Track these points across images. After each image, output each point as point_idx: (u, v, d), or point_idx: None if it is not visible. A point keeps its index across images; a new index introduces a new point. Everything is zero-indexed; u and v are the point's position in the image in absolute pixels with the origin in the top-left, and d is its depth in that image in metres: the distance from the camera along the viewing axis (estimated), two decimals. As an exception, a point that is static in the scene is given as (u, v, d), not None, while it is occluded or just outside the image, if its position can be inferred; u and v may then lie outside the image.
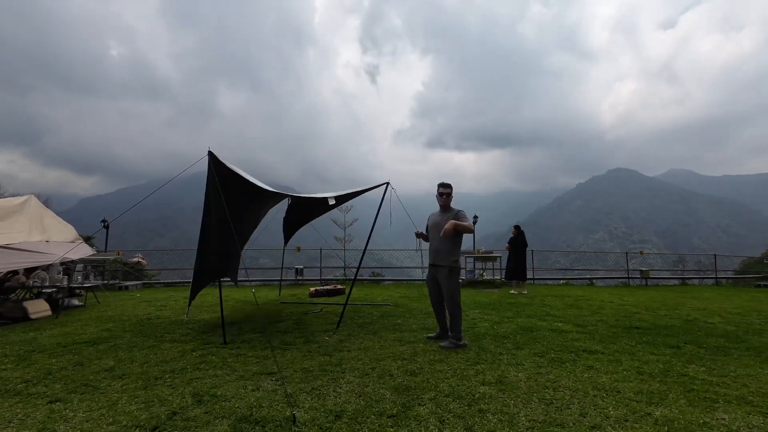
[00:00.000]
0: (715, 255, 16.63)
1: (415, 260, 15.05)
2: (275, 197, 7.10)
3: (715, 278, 16.23)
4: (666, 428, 2.60)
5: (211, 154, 4.87)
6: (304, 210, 8.50)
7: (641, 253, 16.06)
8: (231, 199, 5.16)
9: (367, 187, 6.31)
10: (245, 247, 8.70)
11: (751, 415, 2.81)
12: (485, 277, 12.97)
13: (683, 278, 16.08)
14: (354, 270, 6.38)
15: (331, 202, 6.57)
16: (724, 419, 2.74)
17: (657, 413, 2.81)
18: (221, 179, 4.90)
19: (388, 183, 5.78)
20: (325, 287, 9.68)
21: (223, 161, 5.05)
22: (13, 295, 7.65)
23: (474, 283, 12.36)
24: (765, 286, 13.99)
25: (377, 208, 5.77)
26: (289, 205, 8.25)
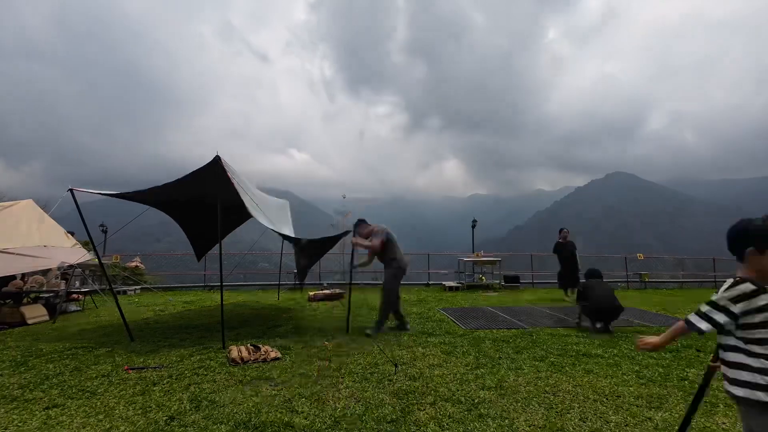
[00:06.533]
0: (713, 258, 16.64)
1: (414, 264, 15.01)
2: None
3: (714, 281, 16.21)
4: (666, 433, 2.59)
5: (218, 158, 4.89)
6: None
7: (639, 256, 16.05)
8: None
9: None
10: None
11: (751, 419, 2.81)
12: (484, 281, 12.98)
13: (682, 282, 16.07)
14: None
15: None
16: (724, 423, 2.74)
17: (657, 417, 2.80)
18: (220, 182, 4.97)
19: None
20: (323, 292, 9.65)
21: (227, 168, 5.06)
22: (9, 299, 7.61)
23: (473, 287, 12.37)
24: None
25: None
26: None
